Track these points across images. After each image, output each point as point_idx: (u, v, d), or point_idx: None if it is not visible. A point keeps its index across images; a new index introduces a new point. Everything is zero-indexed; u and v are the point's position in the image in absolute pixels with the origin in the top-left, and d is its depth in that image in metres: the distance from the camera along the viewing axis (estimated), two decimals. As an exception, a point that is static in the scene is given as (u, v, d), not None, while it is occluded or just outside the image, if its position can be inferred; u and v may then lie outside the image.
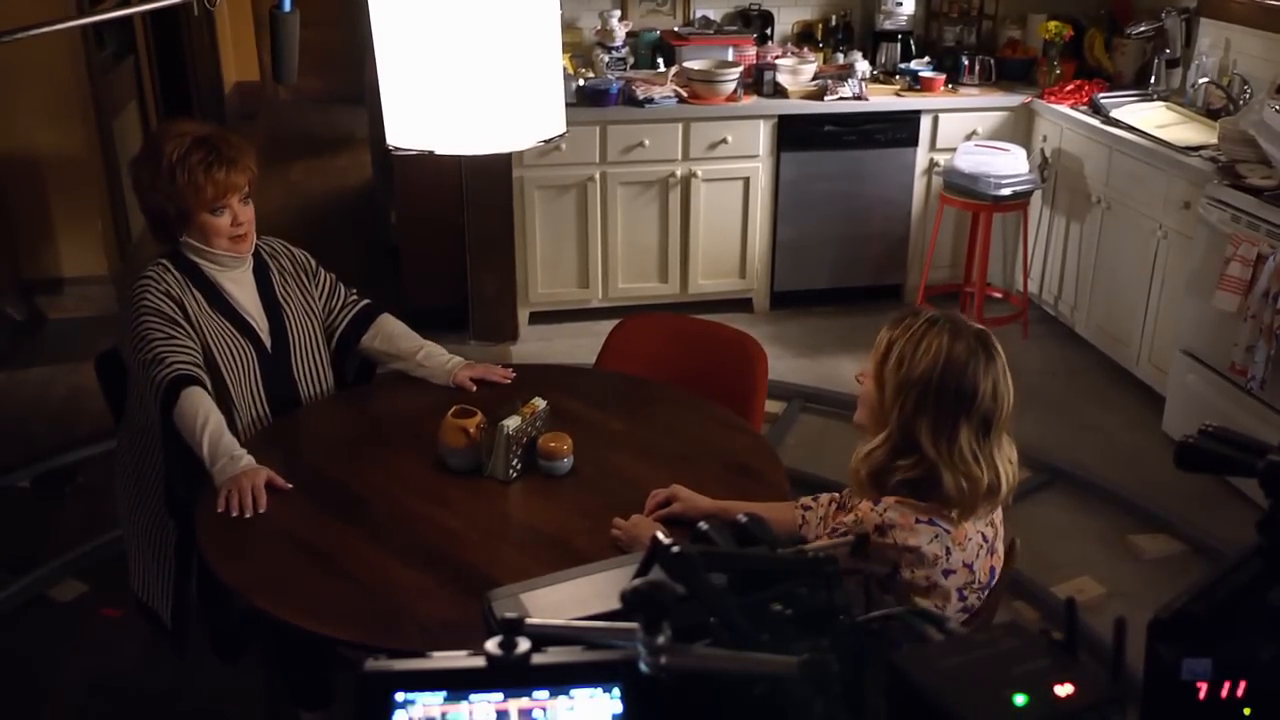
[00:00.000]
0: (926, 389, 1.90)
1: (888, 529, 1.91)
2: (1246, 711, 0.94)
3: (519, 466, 2.36)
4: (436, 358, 2.76)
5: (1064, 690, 0.85)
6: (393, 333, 2.79)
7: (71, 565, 3.41)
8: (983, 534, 1.99)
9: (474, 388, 2.69)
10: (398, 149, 2.25)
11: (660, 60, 5.23)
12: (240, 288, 2.63)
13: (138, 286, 2.52)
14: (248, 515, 2.23)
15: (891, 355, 1.96)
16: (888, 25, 5.35)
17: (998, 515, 2.06)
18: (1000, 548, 2.06)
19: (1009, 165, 4.78)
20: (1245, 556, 0.96)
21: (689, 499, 2.22)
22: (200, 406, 2.38)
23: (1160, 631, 0.94)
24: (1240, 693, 0.94)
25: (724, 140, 4.93)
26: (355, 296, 2.84)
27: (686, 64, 5.00)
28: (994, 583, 2.03)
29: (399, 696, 0.90)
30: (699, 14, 5.36)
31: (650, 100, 4.83)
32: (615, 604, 0.96)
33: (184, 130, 2.55)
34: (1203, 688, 0.93)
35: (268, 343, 2.62)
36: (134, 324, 2.48)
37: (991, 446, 1.93)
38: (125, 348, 2.55)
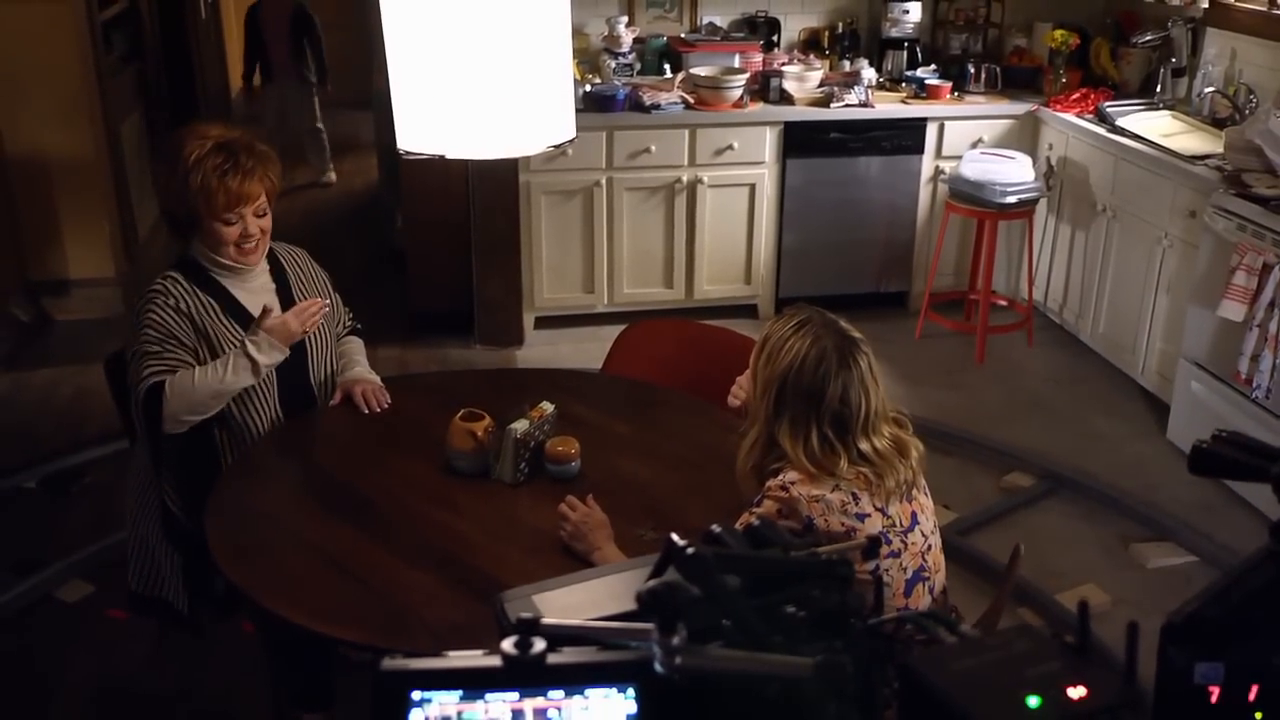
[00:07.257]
0: (784, 387, 2.00)
1: (790, 485, 1.97)
2: (1258, 716, 0.94)
3: (526, 470, 2.37)
4: (346, 370, 2.77)
5: (1077, 692, 0.86)
6: (342, 351, 2.82)
7: (78, 566, 3.42)
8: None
9: (340, 399, 2.69)
10: (408, 153, 2.27)
11: (667, 66, 5.25)
12: (255, 295, 2.61)
13: (144, 300, 2.51)
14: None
15: (765, 349, 2.06)
16: (894, 33, 5.36)
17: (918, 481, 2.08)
18: (922, 499, 2.08)
19: (1014, 173, 4.78)
20: (1258, 560, 0.96)
21: (595, 542, 2.11)
22: (189, 375, 2.42)
23: (1173, 635, 0.94)
24: (1252, 697, 0.94)
25: (730, 146, 4.94)
26: (350, 321, 2.90)
27: (693, 70, 5.02)
28: (917, 527, 2.04)
29: (415, 695, 0.90)
30: (706, 20, 5.38)
31: (657, 106, 4.84)
32: (629, 605, 0.97)
33: (208, 133, 2.51)
34: (1215, 692, 0.93)
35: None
36: (135, 338, 2.48)
37: (850, 442, 1.99)
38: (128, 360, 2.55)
